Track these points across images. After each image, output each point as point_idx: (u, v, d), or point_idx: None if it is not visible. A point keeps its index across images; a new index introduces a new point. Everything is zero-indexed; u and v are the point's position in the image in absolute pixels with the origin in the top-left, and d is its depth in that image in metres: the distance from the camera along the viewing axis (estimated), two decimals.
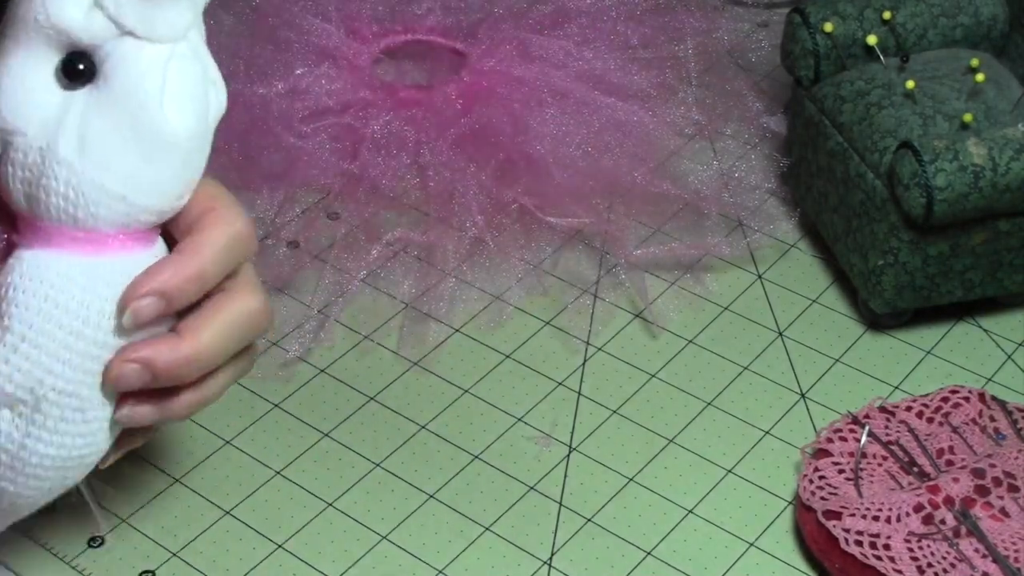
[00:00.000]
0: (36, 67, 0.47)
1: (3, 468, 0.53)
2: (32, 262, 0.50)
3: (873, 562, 0.72)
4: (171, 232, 0.52)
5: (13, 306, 0.50)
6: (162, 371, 0.51)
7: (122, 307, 0.49)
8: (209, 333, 0.51)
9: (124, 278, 0.51)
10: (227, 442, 0.79)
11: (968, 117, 0.84)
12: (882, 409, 0.81)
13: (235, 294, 0.51)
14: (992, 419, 0.80)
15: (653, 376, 0.85)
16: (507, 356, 0.86)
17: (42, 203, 0.49)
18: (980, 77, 0.87)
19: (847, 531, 0.73)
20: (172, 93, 0.49)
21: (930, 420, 0.80)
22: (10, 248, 0.52)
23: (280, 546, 0.74)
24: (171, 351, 0.50)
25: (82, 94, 0.48)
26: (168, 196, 0.50)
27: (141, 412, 0.53)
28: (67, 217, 0.49)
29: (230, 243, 0.50)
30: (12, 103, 0.48)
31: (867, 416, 0.80)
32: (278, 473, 0.78)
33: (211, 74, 0.51)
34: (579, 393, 0.84)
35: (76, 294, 0.50)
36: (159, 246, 0.53)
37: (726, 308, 0.90)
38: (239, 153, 0.95)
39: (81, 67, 0.47)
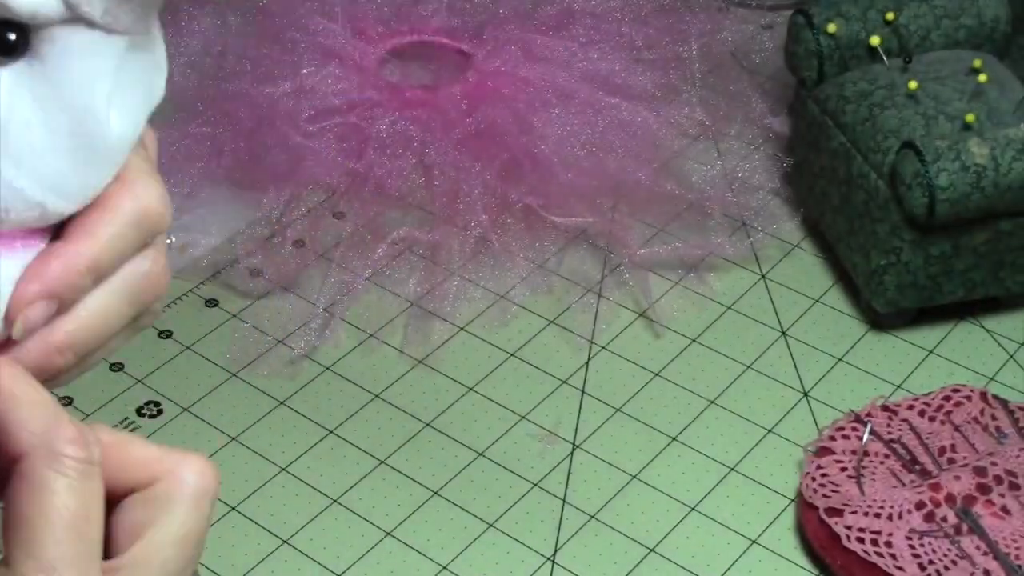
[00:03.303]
0: None
1: None
2: None
3: (875, 559, 0.72)
4: None
5: None
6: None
7: (10, 318, 0.41)
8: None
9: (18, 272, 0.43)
10: (233, 439, 0.80)
11: (970, 117, 0.84)
12: (884, 408, 0.81)
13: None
14: (994, 418, 0.80)
15: (656, 375, 0.86)
16: (511, 354, 0.86)
17: None
18: (983, 78, 0.87)
19: (849, 528, 0.73)
20: (121, 98, 0.40)
21: (932, 419, 0.80)
22: None
23: (285, 541, 0.75)
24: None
25: (6, 72, 0.40)
26: (88, 199, 0.41)
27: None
28: None
29: (134, 222, 0.40)
30: None
31: (869, 414, 0.80)
32: (283, 470, 0.79)
33: (160, 60, 0.43)
34: (583, 391, 0.84)
35: None
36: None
37: (729, 307, 0.90)
38: (246, 152, 0.96)
39: (12, 38, 0.38)
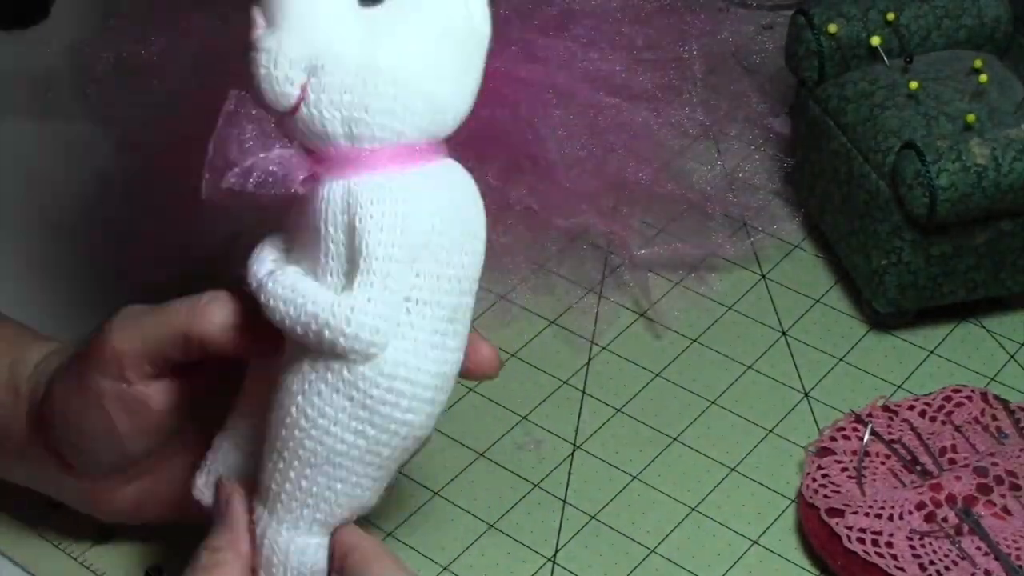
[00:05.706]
0: None
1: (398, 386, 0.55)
2: (368, 187, 0.49)
3: (875, 559, 0.72)
4: None
5: (366, 234, 0.48)
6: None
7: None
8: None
9: (446, 183, 0.50)
10: None
11: (971, 118, 0.84)
12: (885, 408, 0.81)
13: None
14: (994, 418, 0.80)
15: (657, 375, 0.86)
16: (512, 355, 0.87)
17: (364, 123, 0.48)
18: (983, 78, 0.87)
19: (850, 528, 0.73)
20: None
21: (933, 419, 0.80)
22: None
23: None
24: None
25: (384, 8, 0.48)
26: (469, 98, 0.50)
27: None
28: (391, 134, 0.48)
29: None
30: (318, 30, 0.47)
31: (870, 415, 0.80)
32: None
33: None
34: (583, 392, 0.84)
35: (422, 206, 0.48)
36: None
37: (730, 308, 0.90)
38: None
39: None
